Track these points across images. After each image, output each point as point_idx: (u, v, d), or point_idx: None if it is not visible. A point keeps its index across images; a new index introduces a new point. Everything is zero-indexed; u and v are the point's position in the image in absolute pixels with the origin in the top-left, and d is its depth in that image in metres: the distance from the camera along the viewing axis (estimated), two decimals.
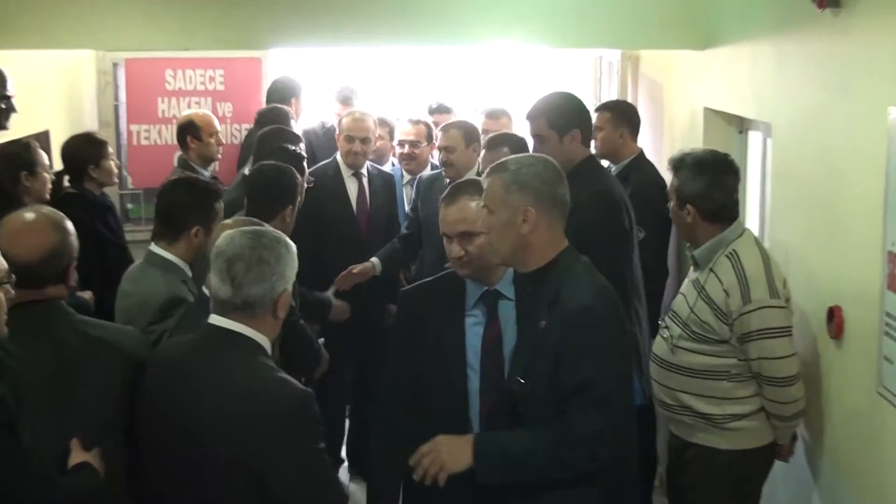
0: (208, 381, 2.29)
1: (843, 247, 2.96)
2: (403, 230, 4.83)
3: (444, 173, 4.45)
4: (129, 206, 6.12)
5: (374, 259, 4.62)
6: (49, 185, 4.19)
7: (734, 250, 3.01)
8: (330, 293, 4.46)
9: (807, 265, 3.18)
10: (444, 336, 2.69)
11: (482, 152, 4.40)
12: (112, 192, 5.84)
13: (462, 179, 3.51)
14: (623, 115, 4.58)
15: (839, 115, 3.00)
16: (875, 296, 2.64)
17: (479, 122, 4.94)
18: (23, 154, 4.12)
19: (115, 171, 4.78)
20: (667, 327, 3.08)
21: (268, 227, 2.52)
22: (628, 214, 3.45)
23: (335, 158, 4.88)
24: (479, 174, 4.21)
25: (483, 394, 2.65)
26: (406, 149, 5.03)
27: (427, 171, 5.03)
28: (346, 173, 4.86)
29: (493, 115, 5.13)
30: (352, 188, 4.81)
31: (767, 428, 2.98)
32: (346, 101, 5.78)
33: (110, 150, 4.77)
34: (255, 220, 3.00)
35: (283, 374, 2.35)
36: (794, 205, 3.42)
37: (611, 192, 3.45)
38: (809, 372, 3.01)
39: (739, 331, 2.87)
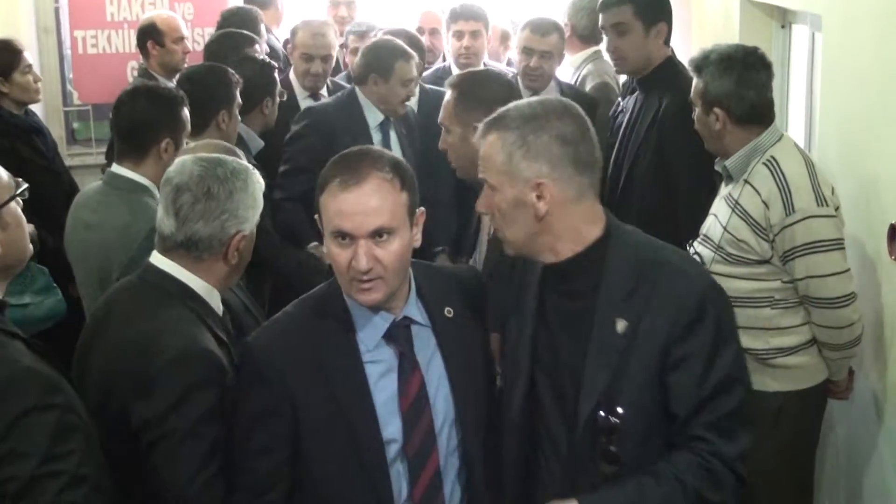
0: (110, 328, 2.12)
1: None
2: None
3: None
4: (76, 125, 5.77)
5: None
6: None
7: (772, 156, 2.82)
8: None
9: (863, 178, 2.97)
10: (337, 404, 1.87)
11: None
12: (56, 109, 5.70)
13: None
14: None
15: None
16: None
17: (519, 38, 4.34)
18: None
19: (35, 85, 4.44)
20: (696, 253, 2.85)
21: (231, 158, 2.27)
22: None
23: (287, 78, 4.30)
24: None
25: (413, 472, 1.91)
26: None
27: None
28: (300, 96, 4.32)
29: (538, 30, 4.26)
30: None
31: (821, 362, 2.77)
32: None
33: (29, 60, 4.45)
34: (231, 147, 2.83)
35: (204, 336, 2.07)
36: (848, 109, 3.20)
37: None
38: (866, 298, 2.81)
39: (782, 247, 2.67)
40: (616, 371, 1.80)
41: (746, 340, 2.63)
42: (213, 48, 4.27)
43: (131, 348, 2.00)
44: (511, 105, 1.92)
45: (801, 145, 3.23)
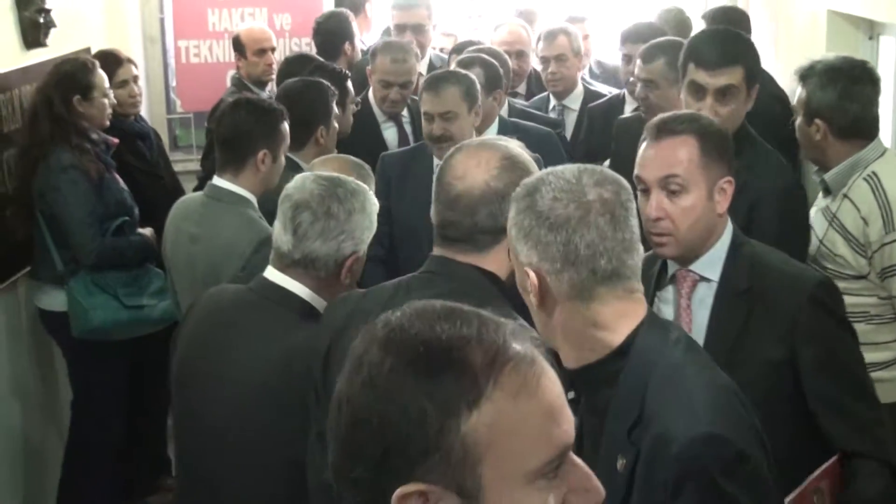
0: (244, 343, 2.14)
1: None
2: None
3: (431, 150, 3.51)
4: (178, 132, 5.89)
5: None
6: (108, 111, 4.03)
7: (873, 172, 2.80)
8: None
9: None
10: None
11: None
12: (160, 116, 5.85)
13: None
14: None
15: None
16: None
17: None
18: (76, 76, 3.94)
19: (130, 99, 4.48)
20: None
21: (350, 178, 2.28)
22: None
23: (367, 98, 4.21)
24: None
25: None
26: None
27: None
28: (380, 118, 4.24)
29: (547, 38, 4.47)
30: (390, 138, 4.17)
31: None
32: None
33: (135, 72, 4.53)
34: (361, 162, 2.92)
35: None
36: None
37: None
38: None
39: (880, 264, 2.66)
40: None
41: None
42: (284, 70, 4.29)
43: (275, 366, 2.07)
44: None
45: None
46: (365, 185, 2.29)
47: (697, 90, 2.70)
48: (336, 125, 3.55)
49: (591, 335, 1.52)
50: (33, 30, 4.36)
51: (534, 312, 1.58)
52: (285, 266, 2.17)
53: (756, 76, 2.79)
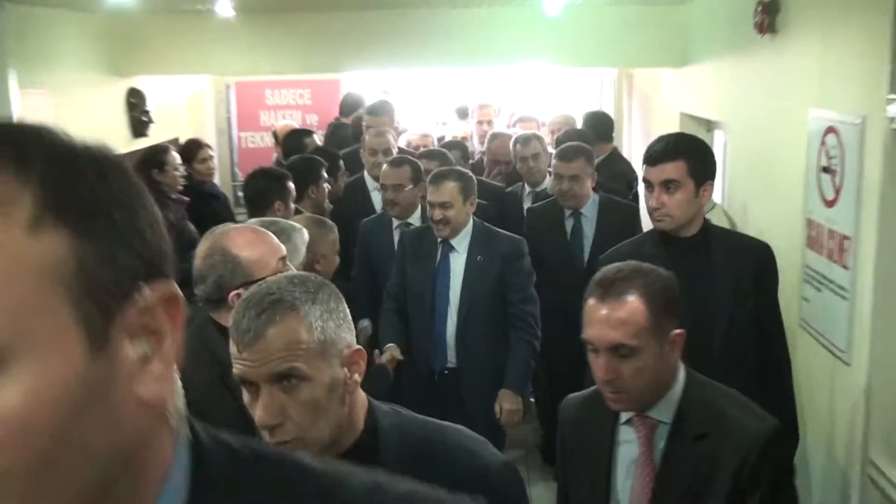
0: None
1: (773, 212, 3.44)
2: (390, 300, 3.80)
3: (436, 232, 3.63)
4: (240, 193, 6.24)
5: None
6: (180, 181, 4.77)
7: (706, 217, 3.17)
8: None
9: (748, 226, 3.84)
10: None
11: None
12: (227, 183, 6.90)
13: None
14: (594, 134, 5.18)
15: (774, 114, 3.67)
16: (797, 251, 3.24)
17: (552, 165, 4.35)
18: (154, 155, 4.79)
19: (209, 171, 5.36)
20: None
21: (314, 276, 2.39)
22: None
23: (362, 175, 4.65)
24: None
25: None
26: (388, 193, 4.08)
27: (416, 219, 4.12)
28: (370, 185, 4.61)
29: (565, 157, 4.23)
30: (377, 200, 4.44)
31: None
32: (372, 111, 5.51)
33: (211, 153, 5.39)
34: (320, 217, 3.26)
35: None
36: (742, 182, 4.19)
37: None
38: None
39: None
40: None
41: None
42: (286, 143, 5.13)
43: None
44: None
45: (719, 202, 4.05)
46: (289, 222, 2.58)
47: (647, 184, 2.69)
48: (328, 186, 4.14)
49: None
50: (139, 125, 5.48)
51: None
52: (210, 304, 2.16)
53: (704, 172, 2.68)
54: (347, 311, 1.48)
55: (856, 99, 3.05)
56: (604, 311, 1.83)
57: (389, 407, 1.54)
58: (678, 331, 1.86)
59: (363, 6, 5.49)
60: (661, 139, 2.79)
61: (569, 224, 4.20)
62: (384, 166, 4.11)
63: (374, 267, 4.05)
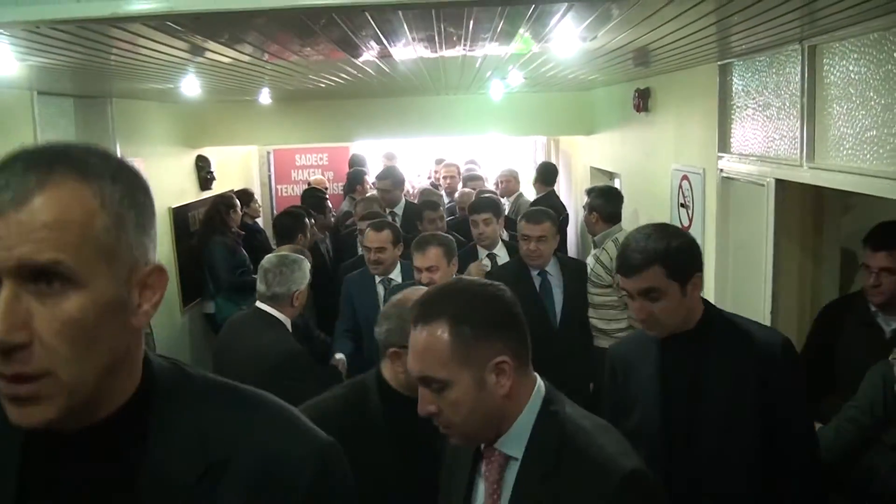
0: (245, 337, 2.95)
1: None
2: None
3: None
4: None
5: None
6: (239, 218, 5.96)
7: (617, 237, 4.20)
8: (339, 356, 4.02)
9: None
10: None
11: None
12: (268, 222, 7.48)
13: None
14: (540, 177, 6.74)
15: (649, 166, 4.65)
16: None
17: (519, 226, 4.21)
18: (228, 200, 6.00)
19: (257, 211, 6.59)
20: None
21: (292, 254, 3.18)
22: None
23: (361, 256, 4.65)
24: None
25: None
26: (372, 255, 4.17)
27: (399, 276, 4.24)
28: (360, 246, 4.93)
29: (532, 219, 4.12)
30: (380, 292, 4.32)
31: None
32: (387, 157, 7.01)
33: (257, 199, 6.62)
34: (299, 248, 3.85)
35: (289, 339, 2.91)
36: (632, 211, 5.10)
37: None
38: None
39: (615, 281, 2.95)
40: None
41: None
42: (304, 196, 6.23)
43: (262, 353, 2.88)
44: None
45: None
46: (301, 257, 3.13)
47: (629, 294, 2.24)
48: (315, 230, 5.06)
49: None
50: (204, 181, 6.50)
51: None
52: (264, 300, 2.99)
53: (687, 268, 2.21)
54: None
55: (699, 156, 4.01)
56: (414, 339, 1.59)
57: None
58: (501, 358, 1.56)
59: (366, 95, 6.36)
60: (633, 240, 2.25)
61: (537, 282, 4.07)
62: (367, 230, 4.12)
63: (360, 319, 4.05)
